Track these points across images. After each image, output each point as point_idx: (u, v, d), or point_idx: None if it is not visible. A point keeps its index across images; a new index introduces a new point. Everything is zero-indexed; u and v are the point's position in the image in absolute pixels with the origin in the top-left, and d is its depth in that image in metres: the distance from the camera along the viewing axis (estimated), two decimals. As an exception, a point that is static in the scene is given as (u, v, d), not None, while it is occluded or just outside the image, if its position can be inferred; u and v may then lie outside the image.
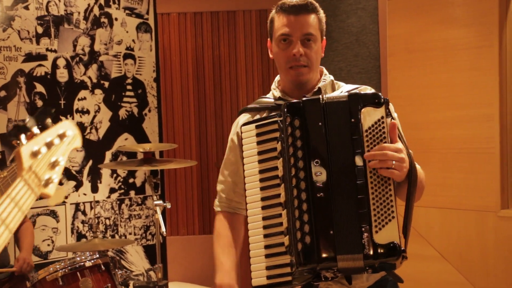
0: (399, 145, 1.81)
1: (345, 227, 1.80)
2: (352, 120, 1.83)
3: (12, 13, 3.60)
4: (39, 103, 3.72)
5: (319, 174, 1.85)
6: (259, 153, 2.00)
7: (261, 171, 1.98)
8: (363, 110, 1.85)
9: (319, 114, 1.88)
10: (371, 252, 1.76)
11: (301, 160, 1.85)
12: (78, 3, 3.80)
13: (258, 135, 2.00)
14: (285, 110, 1.91)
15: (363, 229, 1.78)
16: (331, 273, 1.85)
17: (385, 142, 1.81)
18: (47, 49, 3.70)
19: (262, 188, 1.98)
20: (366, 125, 1.83)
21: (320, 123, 1.87)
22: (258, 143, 1.98)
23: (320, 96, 1.94)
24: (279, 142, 1.90)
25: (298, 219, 1.83)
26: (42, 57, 3.69)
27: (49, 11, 3.75)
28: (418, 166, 1.95)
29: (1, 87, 3.58)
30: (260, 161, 1.99)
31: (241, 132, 2.06)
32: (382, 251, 1.76)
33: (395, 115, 2.00)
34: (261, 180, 1.98)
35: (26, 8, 3.67)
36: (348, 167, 1.82)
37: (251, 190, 2.01)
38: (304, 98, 1.91)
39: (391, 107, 1.94)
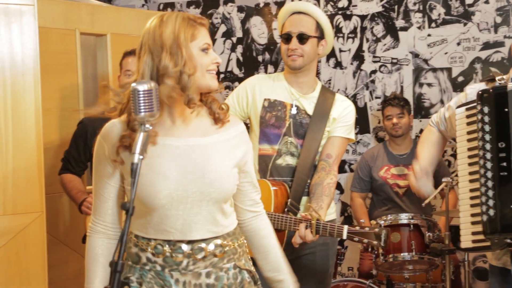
0: None
1: None
2: None
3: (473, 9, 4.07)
4: None
5: (504, 156, 2.07)
6: (468, 132, 2.26)
7: (469, 149, 2.25)
8: None
9: (505, 101, 2.09)
10: None
11: (488, 143, 2.09)
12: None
13: (467, 116, 2.27)
14: (477, 97, 2.17)
15: None
16: None
17: None
18: (504, 36, 3.99)
19: (469, 164, 2.26)
20: None
21: (506, 109, 2.09)
22: (467, 124, 2.25)
23: (504, 84, 2.15)
24: (477, 125, 2.19)
25: (484, 195, 2.12)
26: (499, 44, 4.03)
27: (509, 1, 3.99)
28: None
29: (459, 73, 4.13)
30: (468, 140, 2.26)
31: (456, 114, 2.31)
32: None
33: None
34: (469, 157, 2.25)
35: (486, 2, 4.05)
36: None
37: (462, 166, 2.30)
38: (491, 87, 2.15)
39: None
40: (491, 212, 2.05)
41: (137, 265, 1.80)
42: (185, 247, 1.78)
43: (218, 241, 1.82)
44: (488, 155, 2.08)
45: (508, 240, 2.06)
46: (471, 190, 2.21)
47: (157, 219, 1.76)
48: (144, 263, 1.79)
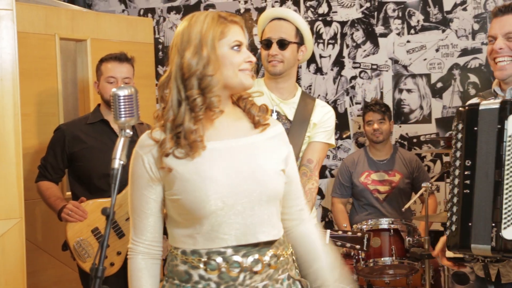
0: None
1: (480, 221, 2.00)
2: (499, 126, 2.00)
3: (451, 16, 4.10)
4: (472, 91, 4.09)
5: (468, 173, 2.07)
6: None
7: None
8: (509, 117, 1.98)
9: (475, 119, 2.09)
10: (496, 245, 1.93)
11: (458, 159, 2.09)
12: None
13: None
14: (456, 113, 2.15)
15: (494, 224, 1.95)
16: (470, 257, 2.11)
17: None
18: (482, 43, 4.02)
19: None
20: (510, 131, 1.98)
21: (475, 128, 2.08)
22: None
23: (478, 101, 2.15)
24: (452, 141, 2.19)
25: (450, 210, 2.14)
26: (477, 51, 4.06)
27: (487, 9, 4.03)
28: None
29: (438, 79, 4.16)
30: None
31: None
32: (507, 246, 1.92)
33: None
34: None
35: (464, 9, 4.08)
36: (490, 168, 2.00)
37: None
38: (467, 104, 2.18)
39: None
40: (453, 227, 2.07)
41: (187, 284, 1.70)
42: (241, 260, 1.69)
43: (272, 251, 1.74)
44: (457, 172, 2.08)
45: (479, 257, 2.08)
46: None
47: (207, 226, 1.68)
48: (196, 281, 1.69)
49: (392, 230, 3.40)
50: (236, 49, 1.72)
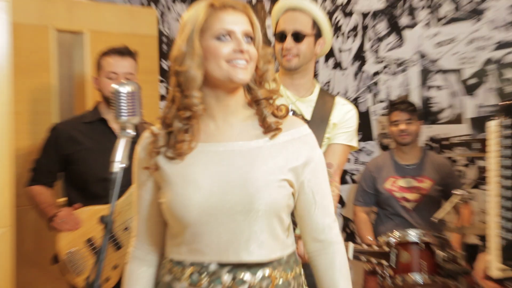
0: None
1: None
2: None
3: (484, 5, 3.94)
4: (509, 89, 3.90)
5: None
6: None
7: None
8: None
9: None
10: None
11: (510, 159, 2.03)
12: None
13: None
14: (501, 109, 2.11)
15: None
16: None
17: None
18: None
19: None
20: None
21: None
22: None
23: None
24: None
25: (504, 217, 2.08)
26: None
27: None
28: None
29: (470, 75, 4.00)
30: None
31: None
32: None
33: None
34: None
35: None
36: None
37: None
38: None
39: None
40: (510, 236, 2.02)
41: None
42: (225, 277, 1.65)
43: (267, 271, 1.67)
44: (508, 172, 2.03)
45: None
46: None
47: (190, 236, 1.66)
48: None
49: (422, 243, 3.30)
50: (222, 39, 1.65)
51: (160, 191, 1.71)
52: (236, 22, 1.67)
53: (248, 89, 1.76)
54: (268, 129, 1.71)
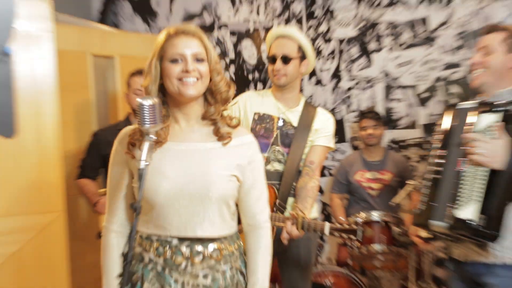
0: (492, 142, 1.93)
1: (441, 202, 2.05)
2: (468, 122, 2.03)
3: (435, 34, 3.99)
4: (453, 101, 3.83)
5: (441, 162, 2.12)
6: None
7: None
8: (482, 115, 2.03)
9: (454, 116, 2.17)
10: (450, 223, 1.98)
11: (436, 150, 2.14)
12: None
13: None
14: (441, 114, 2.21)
15: (449, 204, 2.00)
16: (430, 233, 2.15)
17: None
18: (463, 59, 3.93)
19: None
20: (479, 126, 2.01)
21: (454, 124, 2.15)
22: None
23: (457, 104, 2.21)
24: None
25: (423, 191, 2.14)
26: (458, 65, 3.93)
27: (467, 28, 3.91)
28: None
29: (423, 90, 4.05)
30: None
31: None
32: (458, 224, 1.96)
33: None
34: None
35: (447, 28, 3.97)
36: (454, 158, 2.05)
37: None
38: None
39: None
40: (422, 206, 2.09)
41: (140, 263, 1.74)
42: (184, 249, 1.71)
43: (215, 245, 1.75)
44: (433, 160, 2.12)
45: (441, 234, 2.09)
46: None
47: (156, 215, 1.70)
48: (146, 263, 1.73)
49: (382, 222, 3.44)
50: (175, 62, 1.68)
51: (133, 178, 1.74)
52: (187, 46, 1.67)
53: (205, 99, 1.77)
54: (221, 138, 1.76)
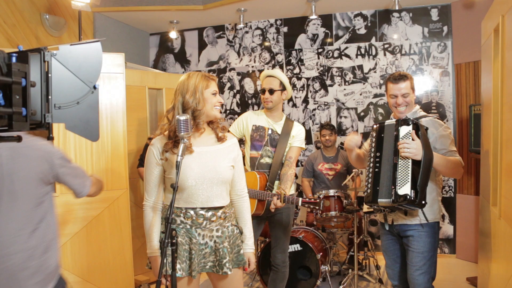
0: (414, 142, 1.90)
1: (384, 186, 1.97)
2: (395, 132, 2.00)
3: (368, 75, 3.99)
4: (379, 118, 3.94)
5: (378, 159, 2.04)
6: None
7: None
8: (401, 127, 1.99)
9: (382, 130, 2.10)
10: (394, 198, 1.91)
11: (372, 152, 2.05)
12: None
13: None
14: (372, 128, 2.12)
15: (392, 186, 1.93)
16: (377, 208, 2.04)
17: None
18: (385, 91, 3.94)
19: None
20: (401, 135, 1.97)
21: (382, 135, 2.05)
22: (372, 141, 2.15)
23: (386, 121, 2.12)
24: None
25: (366, 181, 2.05)
26: (383, 95, 3.92)
27: (387, 72, 3.91)
28: (455, 158, 1.96)
29: (361, 111, 3.99)
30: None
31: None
32: (400, 198, 1.89)
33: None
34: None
35: (375, 72, 3.95)
36: (390, 156, 1.98)
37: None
38: (379, 122, 2.14)
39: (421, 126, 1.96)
40: (368, 191, 2.02)
41: (173, 224, 1.68)
42: (204, 213, 1.66)
43: (222, 210, 1.70)
44: (372, 159, 2.05)
45: (382, 208, 2.03)
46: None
47: (186, 194, 1.65)
48: (178, 224, 1.67)
49: (336, 196, 3.34)
50: (214, 95, 1.66)
51: (167, 171, 1.67)
52: (217, 87, 1.70)
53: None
54: (220, 140, 1.72)
